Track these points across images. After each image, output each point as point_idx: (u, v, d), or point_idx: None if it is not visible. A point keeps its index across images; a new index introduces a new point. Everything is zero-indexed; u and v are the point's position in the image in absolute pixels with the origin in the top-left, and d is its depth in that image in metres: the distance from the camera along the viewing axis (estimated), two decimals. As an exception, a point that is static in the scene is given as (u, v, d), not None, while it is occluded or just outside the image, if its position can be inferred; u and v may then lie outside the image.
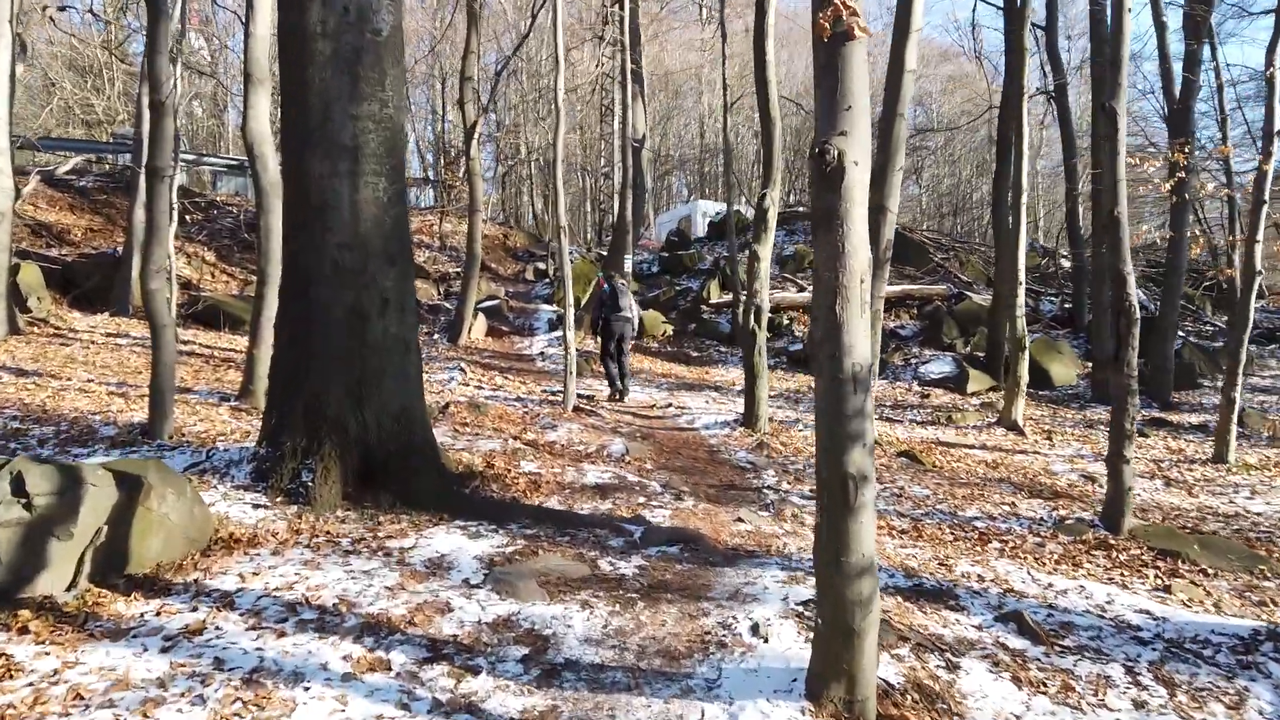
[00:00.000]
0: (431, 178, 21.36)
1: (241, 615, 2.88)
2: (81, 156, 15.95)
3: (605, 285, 8.97)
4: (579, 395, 8.26)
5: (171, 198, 8.45)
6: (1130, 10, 5.06)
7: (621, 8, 12.27)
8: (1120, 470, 5.14)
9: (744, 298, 11.12)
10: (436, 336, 12.37)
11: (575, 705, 2.50)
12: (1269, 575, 4.61)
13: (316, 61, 4.22)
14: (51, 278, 10.36)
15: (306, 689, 2.44)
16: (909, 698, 2.67)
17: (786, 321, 13.98)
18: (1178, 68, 11.98)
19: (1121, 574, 4.58)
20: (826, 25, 2.47)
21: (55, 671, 2.42)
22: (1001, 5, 12.28)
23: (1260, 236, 7.43)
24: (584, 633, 2.98)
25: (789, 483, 5.99)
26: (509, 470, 5.20)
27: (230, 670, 2.51)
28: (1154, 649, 3.48)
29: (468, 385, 8.86)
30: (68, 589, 2.93)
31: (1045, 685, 2.99)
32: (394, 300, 4.44)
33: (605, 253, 18.37)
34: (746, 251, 16.88)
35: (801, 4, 30.14)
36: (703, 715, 2.47)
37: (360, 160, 4.29)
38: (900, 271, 15.70)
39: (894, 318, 14.13)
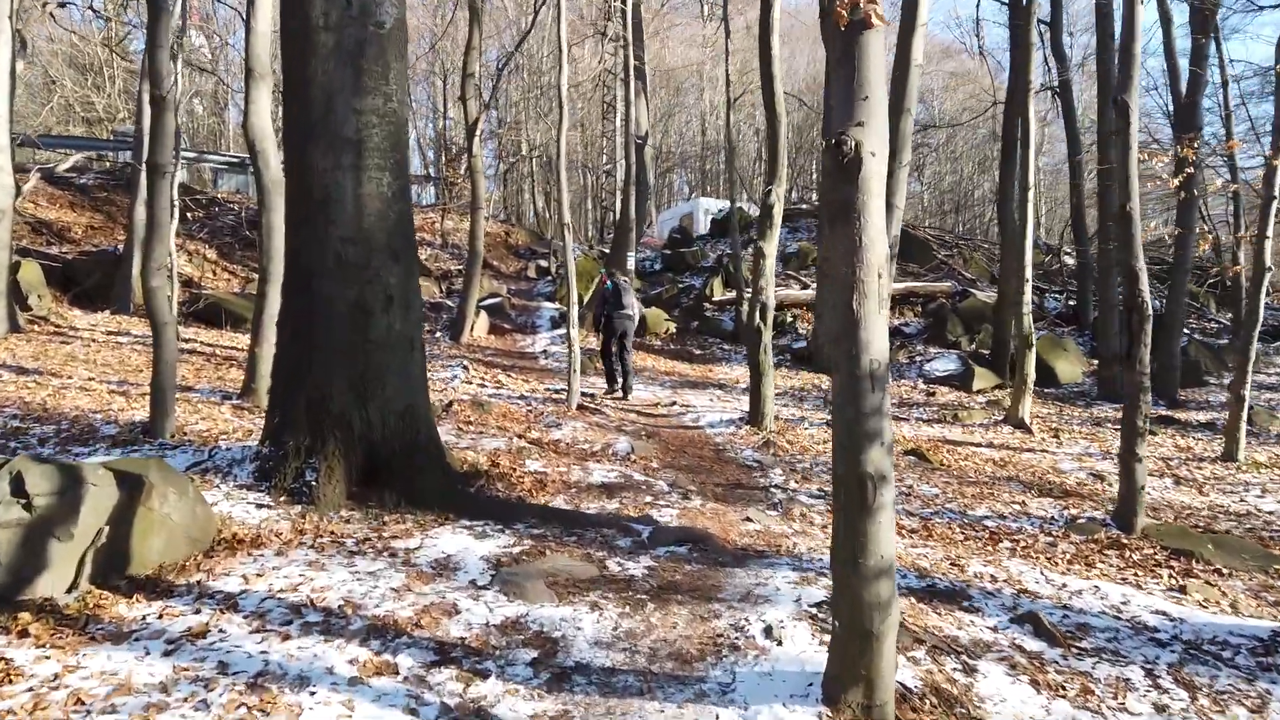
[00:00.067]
0: (433, 175, 21.29)
1: (245, 618, 2.82)
2: (82, 154, 15.89)
3: (608, 282, 8.92)
4: (582, 393, 8.20)
5: (172, 195, 8.39)
6: (1143, 1, 4.99)
7: (624, 3, 12.19)
8: (1132, 468, 5.08)
9: (749, 295, 11.07)
10: (439, 334, 12.31)
11: (587, 710, 2.45)
12: (1285, 575, 4.55)
13: (319, 54, 4.16)
14: (52, 275, 10.31)
15: (312, 693, 2.38)
16: (927, 702, 2.62)
17: (790, 319, 13.91)
18: (1183, 63, 11.91)
19: (1135, 574, 4.52)
20: (843, 13, 2.41)
21: (56, 676, 2.37)
22: (1006, 1, 12.20)
23: (1270, 232, 7.36)
24: (594, 635, 2.93)
25: (796, 481, 5.94)
26: (514, 469, 5.14)
27: (234, 674, 2.45)
28: (1172, 651, 3.42)
29: (471, 383, 8.80)
30: (68, 591, 2.88)
31: (1064, 689, 2.94)
32: (398, 296, 4.38)
33: (607, 250, 18.31)
34: (750, 249, 16.81)
35: (804, 1, 30.03)
36: (717, 720, 2.42)
37: (363, 154, 4.23)
38: (904, 269, 15.64)
39: (898, 315, 14.05)
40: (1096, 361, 11.86)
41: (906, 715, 2.53)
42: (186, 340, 9.02)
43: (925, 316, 14.17)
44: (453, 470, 4.70)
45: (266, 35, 6.83)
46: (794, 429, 7.79)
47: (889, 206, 8.57)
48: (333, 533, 3.71)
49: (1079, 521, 5.36)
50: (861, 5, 2.37)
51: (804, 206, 19.83)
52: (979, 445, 7.91)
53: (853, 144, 2.37)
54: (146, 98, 7.03)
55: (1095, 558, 4.75)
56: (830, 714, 2.44)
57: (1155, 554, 4.82)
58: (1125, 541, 4.97)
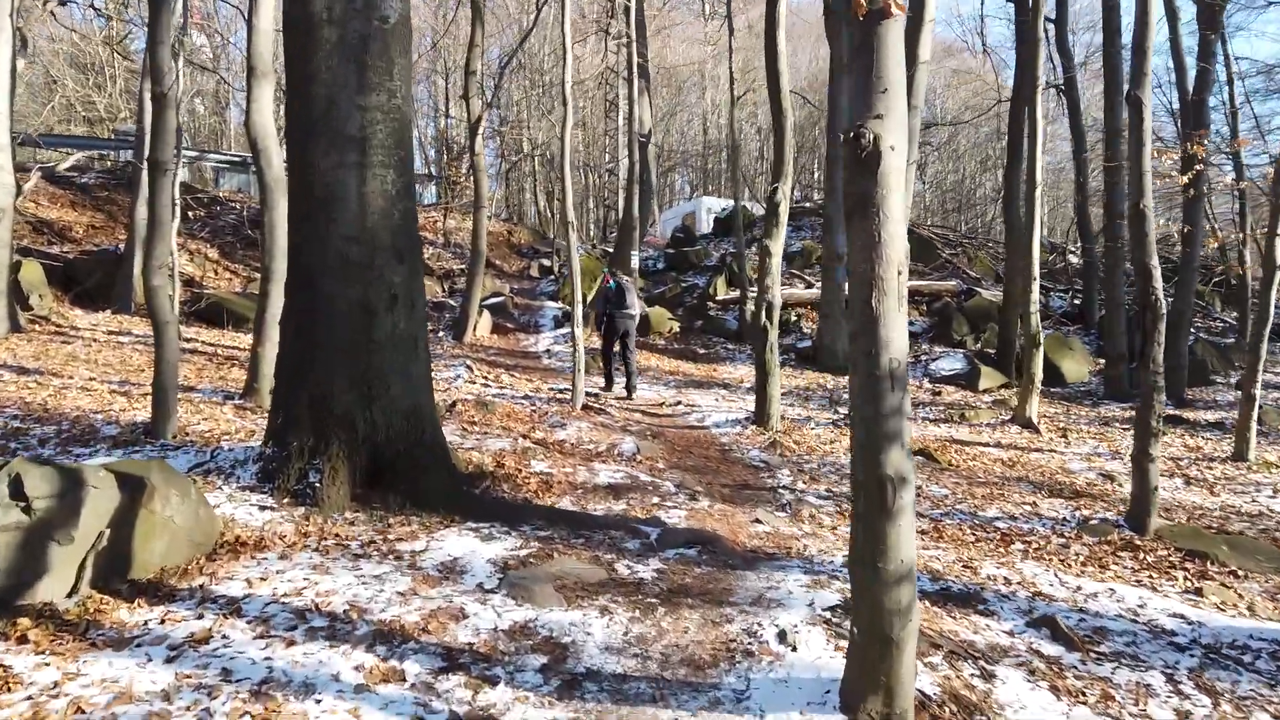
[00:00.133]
0: (434, 174, 21.22)
1: (249, 623, 2.76)
2: (83, 153, 15.85)
3: (610, 282, 8.87)
4: (586, 393, 8.14)
5: (174, 193, 8.35)
6: (1156, -4, 4.92)
7: (629, 0, 12.14)
8: (1146, 469, 5.01)
9: (755, 294, 10.98)
10: (441, 334, 12.26)
11: (599, 718, 2.39)
12: (1301, 577, 4.49)
13: (323, 50, 4.10)
14: (53, 275, 10.27)
15: (318, 701, 2.33)
16: (946, 709, 2.56)
17: (794, 318, 13.85)
18: (1189, 60, 11.84)
19: (1150, 576, 4.45)
20: (862, 2, 2.35)
21: (55, 684, 2.31)
22: (1012, -3, 12.12)
23: (1281, 230, 7.28)
24: (604, 640, 2.87)
25: (804, 482, 5.87)
26: (520, 470, 5.08)
27: (238, 682, 2.39)
28: (1192, 655, 3.36)
29: (474, 383, 8.75)
30: (69, 595, 2.82)
31: (1084, 695, 2.87)
32: (403, 296, 4.32)
33: (610, 249, 18.25)
34: (754, 247, 16.74)
35: (805, 4, 29.96)
36: (733, 729, 2.36)
37: (368, 152, 4.17)
38: (909, 267, 15.54)
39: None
40: (1103, 360, 11.78)
41: (926, 723, 2.47)
42: (188, 340, 8.97)
43: (930, 315, 14.10)
44: (458, 471, 4.64)
45: (269, 32, 6.77)
46: (800, 429, 7.73)
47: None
48: (337, 535, 3.66)
49: (1091, 523, 5.29)
50: (880, -6, 2.31)
51: (808, 205, 19.75)
52: (987, 445, 7.85)
53: (871, 137, 2.31)
54: (148, 95, 6.98)
55: (1109, 559, 4.68)
56: (848, 722, 2.38)
57: (1169, 556, 4.75)
58: (1139, 543, 4.91)
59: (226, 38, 23.34)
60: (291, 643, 2.66)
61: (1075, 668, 3.10)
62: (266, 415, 5.25)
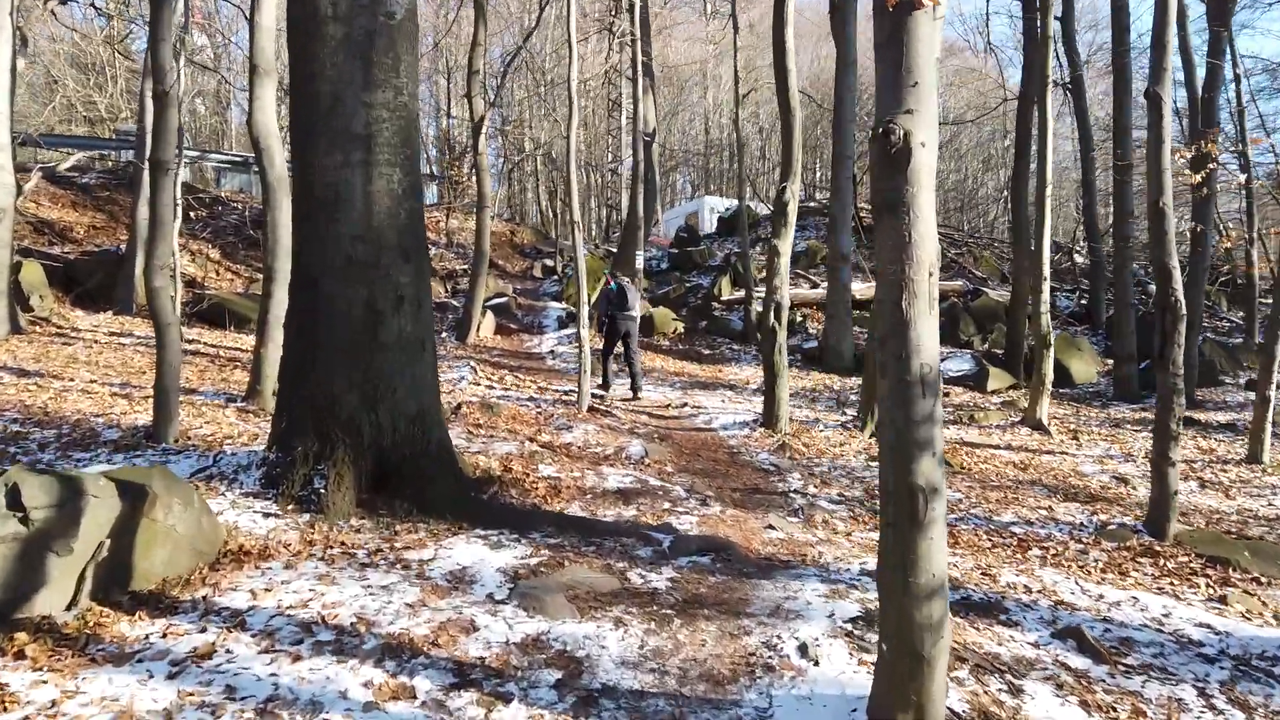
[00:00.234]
0: (436, 173, 21.14)
1: (254, 636, 2.68)
2: (84, 153, 15.77)
3: (611, 283, 8.80)
4: (592, 394, 8.06)
5: (175, 194, 8.26)
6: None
7: (632, -1, 12.09)
8: (1165, 473, 4.92)
9: (763, 295, 10.87)
10: (445, 334, 12.17)
11: (617, 738, 2.30)
12: (1327, 584, 4.39)
13: (327, 46, 4.01)
14: (54, 276, 10.19)
15: (326, 721, 2.24)
16: (977, 727, 2.47)
17: (800, 319, 13.75)
18: (1196, 58, 11.71)
19: (1172, 583, 4.36)
20: (892, -7, 2.26)
21: (53, 703, 2.22)
22: (1020, -5, 12.02)
23: (1296, 230, 7.18)
24: (619, 654, 2.78)
25: (815, 486, 5.78)
26: (527, 474, 4.99)
27: (243, 700, 2.31)
28: (1221, 667, 3.27)
29: (479, 385, 8.66)
30: (68, 608, 2.74)
31: (1114, 709, 2.78)
32: (409, 297, 4.23)
33: (613, 249, 18.16)
34: (758, 247, 16.63)
35: (807, 2, 29.83)
36: (757, 749, 2.27)
37: (373, 150, 4.09)
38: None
39: (908, 314, 13.87)
40: (1111, 361, 11.69)
41: (956, 742, 2.38)
42: (190, 341, 8.89)
43: (936, 316, 13.99)
44: (465, 476, 4.56)
45: (271, 30, 6.69)
46: (809, 431, 7.63)
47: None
48: (343, 543, 3.57)
49: (1109, 528, 5.20)
50: (910, -16, 2.22)
51: (811, 204, 19.64)
52: (998, 447, 7.75)
53: (901, 133, 2.22)
54: (149, 94, 6.90)
55: (1129, 566, 4.59)
56: (877, 742, 2.29)
57: (1190, 562, 4.66)
58: (1159, 549, 4.82)
59: (228, 37, 23.29)
60: (298, 657, 2.57)
61: (1104, 681, 3.01)
62: (269, 418, 5.16)
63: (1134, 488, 6.51)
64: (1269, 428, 7.48)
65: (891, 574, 2.26)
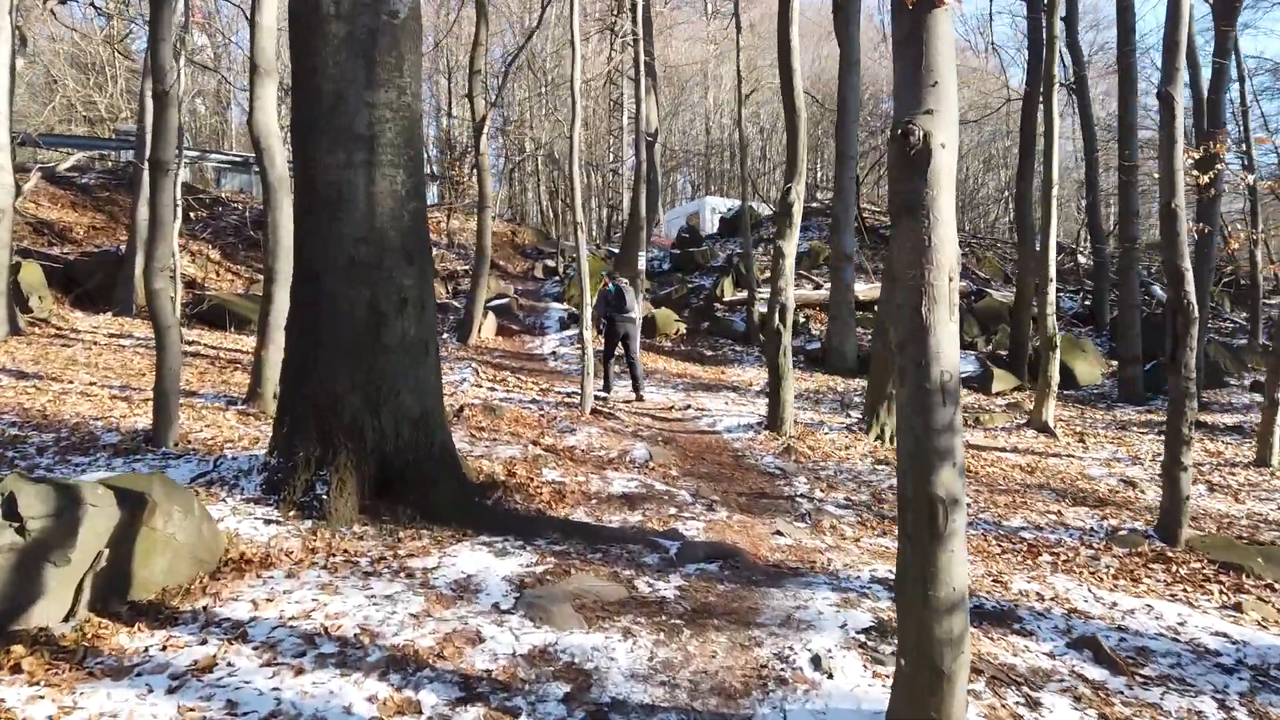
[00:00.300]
0: (437, 174, 21.09)
1: (255, 649, 2.62)
2: (84, 153, 15.71)
3: (609, 285, 8.75)
4: (595, 396, 8.00)
5: (175, 194, 8.20)
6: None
7: (634, -2, 12.03)
8: (1177, 478, 4.86)
9: (768, 296, 10.79)
10: (446, 336, 12.11)
11: (629, 755, 2.24)
12: (1342, 591, 4.33)
13: (329, 45, 3.95)
14: (53, 276, 10.13)
15: (329, 738, 2.18)
16: (996, 743, 2.41)
17: (802, 319, 13.69)
18: (1200, 58, 11.68)
19: (1185, 590, 4.30)
20: (911, -11, 2.20)
21: (50, 719, 2.16)
22: (1024, -6, 11.96)
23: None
24: (629, 666, 2.72)
25: (821, 490, 5.72)
26: (531, 479, 4.94)
27: (245, 715, 2.25)
28: (1240, 678, 3.21)
29: (481, 386, 8.60)
30: (65, 619, 2.68)
31: (1135, 723, 2.72)
32: (413, 299, 4.17)
33: (615, 250, 18.10)
34: (761, 248, 16.54)
35: (809, 2, 29.76)
36: (772, 766, 2.21)
37: (376, 150, 4.03)
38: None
39: (911, 315, 13.80)
40: (1116, 362, 11.63)
41: (976, 759, 2.32)
42: (190, 343, 8.83)
43: (939, 317, 13.92)
44: (468, 481, 4.50)
45: (272, 30, 6.63)
46: (814, 434, 7.57)
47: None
48: (346, 551, 3.51)
49: (1120, 533, 5.14)
50: (930, -19, 2.16)
51: (814, 205, 19.58)
52: (1004, 450, 7.69)
53: (921, 134, 2.16)
54: (149, 94, 6.84)
55: (1141, 572, 4.53)
56: (895, 759, 2.23)
57: (1203, 568, 4.60)
58: (1170, 555, 4.75)
59: (228, 37, 23.23)
60: (300, 671, 2.51)
61: (1122, 693, 2.95)
62: (270, 421, 5.11)
63: (1142, 491, 6.45)
64: (1278, 431, 7.42)
65: (910, 588, 2.20)
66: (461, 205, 19.29)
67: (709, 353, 12.80)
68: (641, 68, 12.28)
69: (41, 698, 2.26)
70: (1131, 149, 10.90)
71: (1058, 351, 8.63)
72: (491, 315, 12.89)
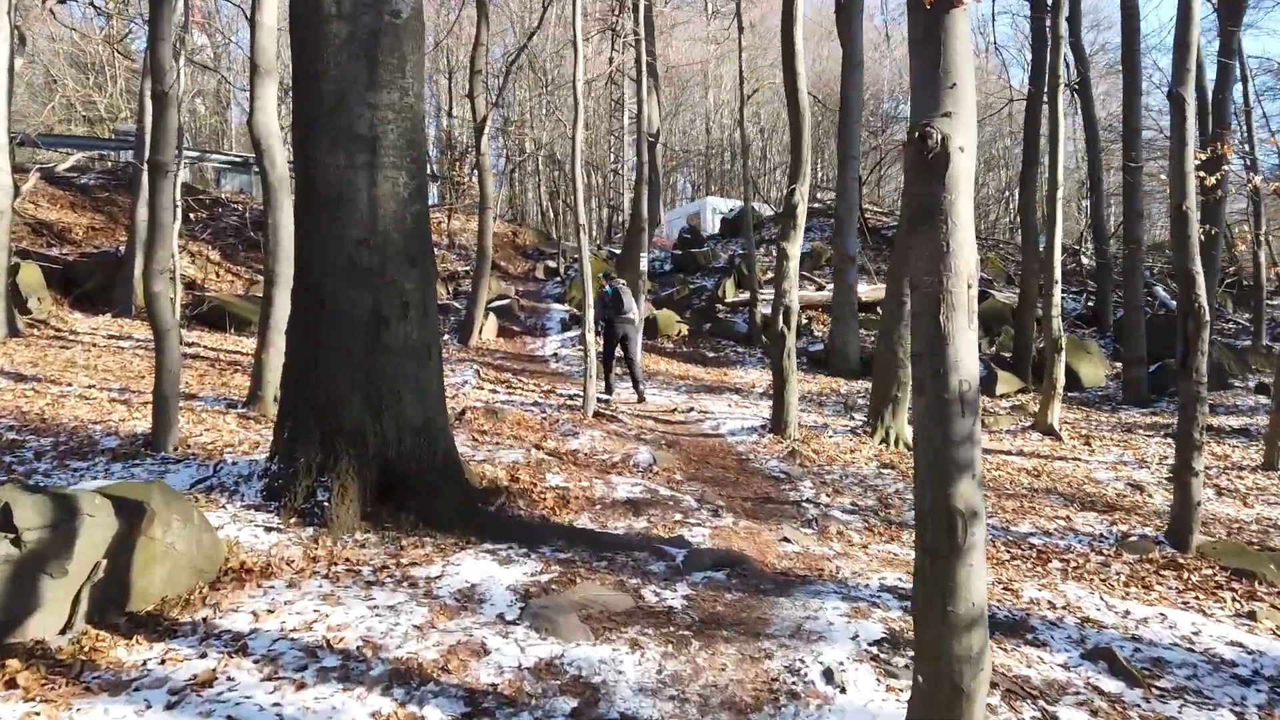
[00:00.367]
0: (437, 174, 21.04)
1: (256, 662, 2.56)
2: (83, 153, 15.65)
3: (606, 286, 8.71)
4: (597, 399, 7.94)
5: (175, 195, 8.15)
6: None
7: (636, -2, 11.97)
8: (1189, 483, 4.80)
9: (765, 296, 10.72)
10: (447, 337, 12.05)
11: (639, 774, 2.19)
12: (1356, 598, 4.27)
13: (331, 45, 3.89)
14: (52, 278, 10.07)
15: (332, 757, 2.13)
16: (1014, 760, 2.35)
17: (805, 321, 13.63)
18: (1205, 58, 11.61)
19: (1197, 597, 4.24)
20: (929, -12, 2.14)
21: (45, 737, 2.11)
22: (1028, -6, 11.90)
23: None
24: (637, 680, 2.66)
25: (828, 495, 5.67)
26: (535, 484, 4.88)
27: (245, 733, 2.20)
28: (1258, 690, 3.15)
29: (482, 389, 8.55)
30: (62, 631, 2.62)
31: (1153, 738, 2.67)
32: (415, 303, 4.12)
33: (616, 250, 18.04)
34: (763, 249, 16.45)
35: (811, 2, 29.73)
36: (786, 786, 2.16)
37: (379, 152, 3.97)
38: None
39: (914, 316, 13.75)
40: (1119, 364, 11.57)
41: (994, 777, 2.26)
42: (190, 344, 8.78)
43: (942, 318, 13.86)
44: (471, 487, 4.44)
45: (273, 29, 6.58)
46: (818, 437, 7.51)
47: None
48: (348, 559, 3.45)
49: (1130, 539, 5.08)
50: (948, -19, 2.11)
51: (815, 205, 19.52)
52: (1009, 453, 7.64)
53: (939, 137, 2.11)
54: (149, 94, 6.79)
55: (1152, 579, 4.47)
56: (912, 779, 2.17)
57: (1215, 575, 4.54)
58: (1182, 561, 4.70)
59: (228, 37, 23.18)
60: (302, 685, 2.45)
61: (1139, 706, 2.89)
62: (271, 425, 5.05)
63: (1150, 496, 6.39)
64: (1286, 433, 7.36)
65: (928, 604, 2.14)
66: (462, 206, 19.23)
67: (711, 354, 12.75)
68: (644, 68, 12.22)
69: (37, 714, 2.20)
70: (1136, 149, 10.85)
71: (1063, 354, 8.57)
72: (493, 316, 12.84)
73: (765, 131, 32.54)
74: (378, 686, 2.49)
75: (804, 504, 5.38)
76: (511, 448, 5.80)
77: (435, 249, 16.80)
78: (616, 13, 16.66)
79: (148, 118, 8.72)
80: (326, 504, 3.80)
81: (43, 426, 5.37)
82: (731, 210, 21.40)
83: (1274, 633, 3.82)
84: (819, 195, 23.53)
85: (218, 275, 12.91)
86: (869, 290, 13.37)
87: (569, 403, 8.13)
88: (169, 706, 2.30)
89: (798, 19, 7.32)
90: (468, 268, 15.40)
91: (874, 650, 2.92)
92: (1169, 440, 8.34)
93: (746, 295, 13.97)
